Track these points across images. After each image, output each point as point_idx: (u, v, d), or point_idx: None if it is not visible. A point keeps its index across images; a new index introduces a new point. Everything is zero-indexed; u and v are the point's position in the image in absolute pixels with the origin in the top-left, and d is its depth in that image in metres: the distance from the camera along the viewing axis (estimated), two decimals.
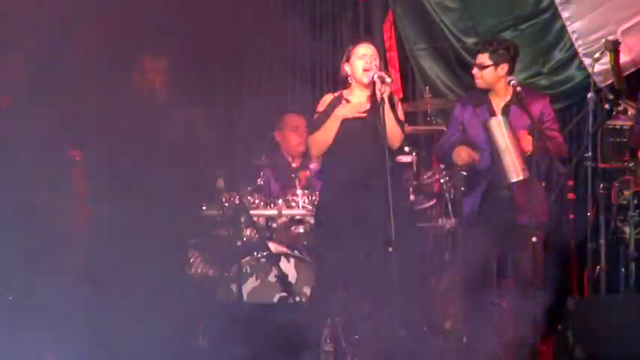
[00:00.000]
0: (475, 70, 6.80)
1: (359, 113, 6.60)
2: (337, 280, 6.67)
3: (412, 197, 7.84)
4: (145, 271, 6.74)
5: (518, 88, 6.69)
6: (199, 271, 7.59)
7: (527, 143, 6.61)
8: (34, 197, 7.21)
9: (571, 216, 7.35)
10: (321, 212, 6.75)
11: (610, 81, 7.60)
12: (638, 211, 7.16)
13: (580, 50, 7.90)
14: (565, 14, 7.91)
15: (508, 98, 6.80)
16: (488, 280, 7.00)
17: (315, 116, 6.73)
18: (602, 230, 7.23)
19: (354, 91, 6.75)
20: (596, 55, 7.34)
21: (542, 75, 8.14)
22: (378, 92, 6.53)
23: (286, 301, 7.13)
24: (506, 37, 7.80)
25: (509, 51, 6.79)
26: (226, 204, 7.37)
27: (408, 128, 7.05)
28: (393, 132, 6.56)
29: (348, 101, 6.73)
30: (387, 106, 6.54)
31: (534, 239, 6.49)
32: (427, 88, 8.24)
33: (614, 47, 7.27)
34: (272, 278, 7.31)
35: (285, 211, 7.50)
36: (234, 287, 7.12)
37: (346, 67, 6.74)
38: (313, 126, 6.71)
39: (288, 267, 7.33)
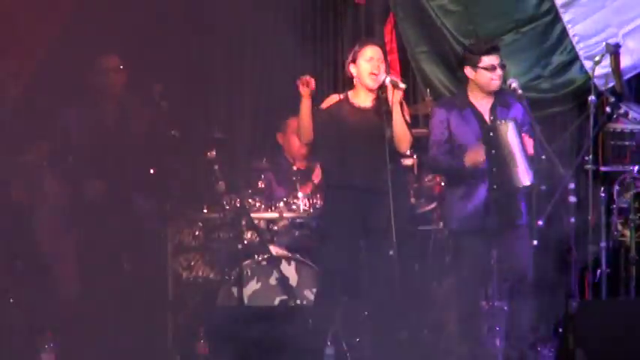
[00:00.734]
0: (499, 71, 6.75)
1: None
2: (339, 284, 6.66)
3: (413, 200, 7.84)
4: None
5: (520, 91, 6.68)
6: (200, 274, 7.59)
7: (530, 146, 6.60)
8: None
9: (572, 219, 7.32)
10: (324, 216, 6.74)
11: (611, 84, 7.59)
12: (639, 214, 7.15)
13: (581, 53, 7.89)
14: (566, 17, 7.90)
15: (492, 100, 6.79)
16: (489, 283, 7.00)
17: (315, 109, 6.72)
18: (603, 233, 7.23)
19: (359, 93, 6.73)
20: (597, 58, 7.32)
21: (543, 78, 8.12)
22: (389, 96, 6.51)
23: (287, 304, 7.13)
24: (507, 40, 7.81)
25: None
26: (227, 207, 7.37)
27: None
28: (403, 136, 6.55)
29: (353, 103, 6.71)
30: (398, 110, 6.53)
31: (535, 242, 6.47)
32: (428, 90, 8.22)
33: (615, 50, 7.27)
34: (273, 281, 7.31)
35: (286, 214, 7.50)
36: (235, 290, 7.12)
37: (352, 68, 6.71)
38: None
39: (289, 270, 7.34)
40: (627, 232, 7.17)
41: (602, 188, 7.18)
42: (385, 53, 6.78)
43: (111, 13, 7.80)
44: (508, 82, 6.78)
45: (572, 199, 7.37)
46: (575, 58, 7.95)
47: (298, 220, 7.54)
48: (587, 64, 7.77)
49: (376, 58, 6.62)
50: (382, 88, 6.59)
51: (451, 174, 6.84)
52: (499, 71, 6.72)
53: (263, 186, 7.64)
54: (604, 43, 7.41)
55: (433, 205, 8.19)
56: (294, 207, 7.52)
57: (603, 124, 7.22)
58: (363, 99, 6.71)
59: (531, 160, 6.54)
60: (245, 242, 7.33)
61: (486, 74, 6.73)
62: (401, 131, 6.52)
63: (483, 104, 6.79)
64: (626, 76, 7.69)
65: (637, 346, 6.21)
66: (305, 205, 7.49)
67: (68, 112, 7.19)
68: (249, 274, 7.27)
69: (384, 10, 8.74)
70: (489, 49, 6.77)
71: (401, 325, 7.38)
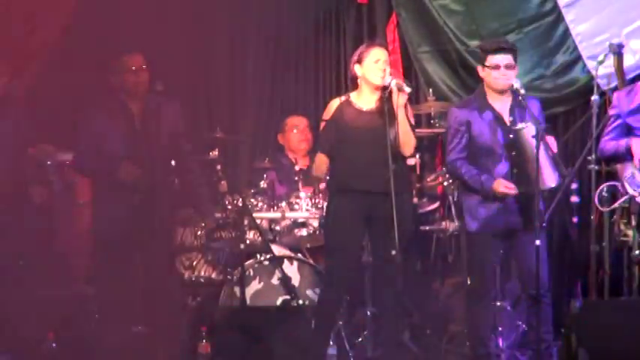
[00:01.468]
0: (503, 70, 6.73)
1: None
2: (343, 284, 6.65)
3: (415, 200, 7.84)
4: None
5: (522, 91, 6.67)
6: (202, 273, 7.59)
7: (554, 145, 6.58)
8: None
9: (575, 219, 7.32)
10: (328, 217, 6.73)
11: (614, 84, 7.58)
12: None
13: (584, 53, 7.88)
14: (569, 17, 7.89)
15: (510, 101, 6.78)
16: (495, 283, 7.00)
17: (322, 124, 6.70)
18: (605, 233, 7.21)
19: (362, 94, 6.71)
20: (600, 58, 7.31)
21: (546, 78, 8.12)
22: (394, 99, 6.51)
23: (289, 304, 7.13)
24: (510, 39, 7.79)
25: (516, 53, 6.79)
26: (229, 206, 7.36)
27: None
28: (408, 139, 6.53)
29: (356, 105, 6.70)
30: (402, 113, 6.51)
31: (537, 242, 6.46)
32: (430, 90, 8.22)
33: (618, 50, 7.26)
34: (275, 281, 7.31)
35: (288, 214, 7.49)
36: (237, 290, 7.11)
37: (357, 69, 6.69)
38: (322, 145, 6.69)
39: (291, 270, 7.33)
40: (630, 232, 7.15)
41: (605, 188, 7.15)
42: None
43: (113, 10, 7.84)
44: (510, 82, 6.77)
45: (575, 198, 7.38)
46: (577, 57, 7.94)
47: (300, 220, 7.53)
48: (590, 64, 7.76)
49: (382, 60, 6.61)
50: (386, 90, 6.58)
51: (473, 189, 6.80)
52: (504, 70, 6.69)
53: (265, 186, 7.64)
54: (607, 43, 7.40)
55: (436, 205, 8.19)
56: (296, 207, 7.51)
57: (606, 124, 7.20)
58: (366, 100, 6.69)
59: (555, 160, 6.51)
60: (247, 242, 7.32)
61: (492, 73, 6.72)
62: (405, 134, 6.51)
63: (501, 105, 6.77)
64: (629, 76, 7.67)
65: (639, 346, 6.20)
66: (307, 205, 7.49)
67: (94, 112, 7.05)
68: (251, 273, 7.27)
69: (387, 9, 8.74)
70: (496, 48, 6.76)
71: (403, 325, 7.41)
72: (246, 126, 8.77)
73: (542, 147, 6.46)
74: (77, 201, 7.69)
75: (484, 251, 6.78)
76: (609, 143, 7.05)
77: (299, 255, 7.50)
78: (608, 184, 7.04)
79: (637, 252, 7.06)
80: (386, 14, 8.75)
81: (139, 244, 6.81)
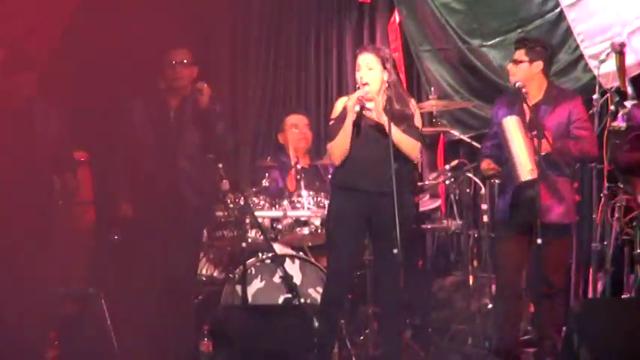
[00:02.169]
0: (510, 66, 6.76)
1: (367, 97, 6.51)
2: (345, 283, 6.66)
3: (417, 198, 7.85)
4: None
5: (524, 90, 6.68)
6: (204, 272, 7.60)
7: (543, 143, 6.57)
8: None
9: (577, 218, 7.32)
10: (330, 215, 6.73)
11: (615, 83, 7.59)
12: None
13: (586, 52, 7.87)
14: (571, 16, 7.88)
15: (540, 97, 6.77)
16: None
17: (330, 123, 6.68)
18: (607, 232, 7.22)
19: None
20: (602, 57, 7.33)
21: None
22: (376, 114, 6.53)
23: (291, 303, 7.13)
24: (511, 38, 7.80)
25: (545, 49, 6.79)
26: (231, 205, 7.36)
27: None
28: (408, 148, 6.49)
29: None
30: (394, 129, 6.43)
31: (539, 241, 6.45)
32: (432, 89, 8.23)
33: (619, 49, 7.25)
34: (277, 280, 7.31)
35: (290, 213, 7.50)
36: (239, 289, 7.12)
37: (356, 75, 6.65)
38: (330, 135, 6.65)
39: (293, 268, 7.33)
40: (631, 231, 7.17)
41: (607, 186, 7.17)
42: (383, 58, 6.63)
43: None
44: (513, 81, 6.78)
45: (577, 197, 7.38)
46: (579, 57, 7.93)
47: (302, 219, 7.53)
48: (592, 63, 7.75)
49: (363, 65, 6.56)
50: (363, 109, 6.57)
51: None
52: (517, 65, 6.73)
53: (267, 184, 7.64)
54: (609, 42, 7.40)
55: (438, 203, 8.20)
56: (298, 205, 7.52)
57: (607, 123, 7.21)
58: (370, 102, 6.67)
59: (537, 157, 6.49)
60: (249, 240, 7.33)
61: (510, 67, 6.79)
62: (403, 145, 6.48)
63: (535, 101, 6.76)
64: (631, 75, 7.67)
65: None
66: (309, 204, 7.49)
67: (136, 106, 7.02)
68: (253, 272, 7.27)
69: (389, 8, 8.75)
70: (518, 44, 6.85)
71: (405, 323, 7.42)
72: (247, 125, 8.78)
73: (518, 140, 6.49)
74: (77, 201, 7.67)
75: (500, 244, 6.84)
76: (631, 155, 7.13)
77: (301, 253, 7.51)
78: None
79: (639, 250, 7.09)
80: (388, 13, 8.76)
81: (164, 238, 6.83)
